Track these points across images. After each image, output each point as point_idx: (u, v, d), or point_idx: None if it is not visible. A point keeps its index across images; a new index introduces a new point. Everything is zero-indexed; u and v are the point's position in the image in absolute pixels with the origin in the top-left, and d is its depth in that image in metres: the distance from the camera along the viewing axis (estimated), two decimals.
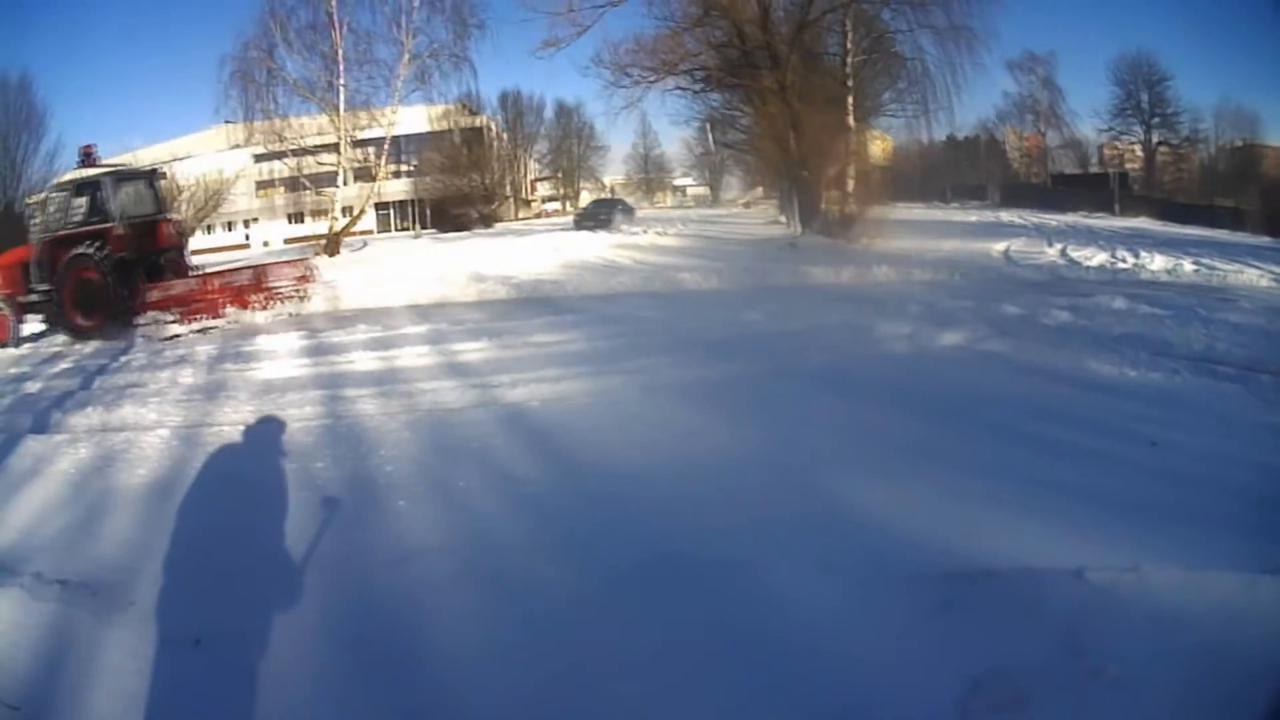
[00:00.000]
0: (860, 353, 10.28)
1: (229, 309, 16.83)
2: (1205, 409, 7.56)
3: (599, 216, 38.39)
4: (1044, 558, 4.36)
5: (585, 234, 33.20)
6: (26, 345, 16.69)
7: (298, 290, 17.91)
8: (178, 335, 15.67)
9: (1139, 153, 60.63)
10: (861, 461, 6.23)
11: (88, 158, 18.77)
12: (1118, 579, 4.05)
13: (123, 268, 16.88)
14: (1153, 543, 4.53)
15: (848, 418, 7.41)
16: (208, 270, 18.68)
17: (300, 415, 8.33)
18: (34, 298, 17.40)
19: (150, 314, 16.21)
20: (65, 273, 16.94)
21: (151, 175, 19.24)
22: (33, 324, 17.87)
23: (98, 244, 16.86)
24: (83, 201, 17.52)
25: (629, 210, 41.85)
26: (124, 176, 18.20)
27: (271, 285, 17.64)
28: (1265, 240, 32.50)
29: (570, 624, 4.17)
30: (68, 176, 17.78)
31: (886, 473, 5.93)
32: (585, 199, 59.61)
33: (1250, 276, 18.94)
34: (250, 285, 17.48)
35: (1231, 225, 38.78)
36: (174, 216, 19.33)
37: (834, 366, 9.57)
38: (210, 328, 16.18)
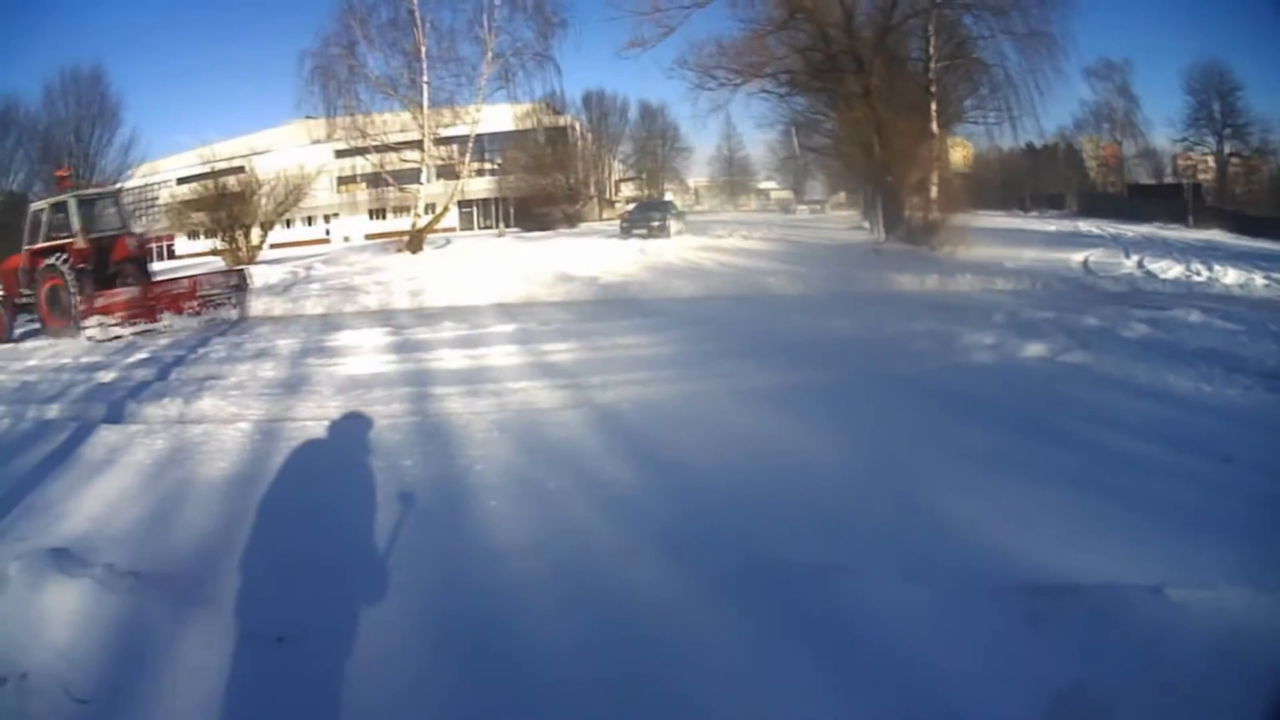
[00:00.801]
0: (946, 362, 10.31)
1: (165, 314, 18.40)
2: (1278, 426, 7.58)
3: (650, 223, 34.17)
4: (1124, 573, 4.31)
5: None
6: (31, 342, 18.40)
7: (230, 298, 19.75)
8: (120, 336, 17.13)
9: (1211, 163, 59.79)
10: (947, 471, 6.21)
11: (62, 180, 22.28)
12: (1195, 596, 4.00)
13: (83, 276, 19.20)
14: (1228, 560, 4.46)
15: (934, 426, 7.44)
16: (155, 280, 20.66)
17: (387, 412, 8.32)
18: (24, 300, 20.35)
19: (95, 318, 17.73)
20: (39, 280, 19.68)
21: (116, 195, 22.17)
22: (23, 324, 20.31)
23: (64, 256, 19.39)
24: (57, 219, 20.17)
25: (679, 214, 38.44)
26: (88, 198, 21.10)
27: (204, 294, 19.43)
28: None
29: (663, 626, 4.11)
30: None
31: (971, 482, 5.92)
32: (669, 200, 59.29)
33: None
34: (184, 293, 19.21)
35: None
36: (135, 231, 22.26)
37: (920, 375, 9.58)
38: (149, 330, 17.74)
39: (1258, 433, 7.27)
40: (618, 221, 36.94)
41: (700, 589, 4.42)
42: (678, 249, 27.13)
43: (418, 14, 32.29)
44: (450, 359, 11.11)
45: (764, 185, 70.91)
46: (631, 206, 41.51)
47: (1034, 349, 10.75)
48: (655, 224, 33.92)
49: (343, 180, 48.85)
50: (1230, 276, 20.84)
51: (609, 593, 4.45)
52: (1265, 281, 20.22)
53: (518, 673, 3.84)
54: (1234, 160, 59.27)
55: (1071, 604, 4.07)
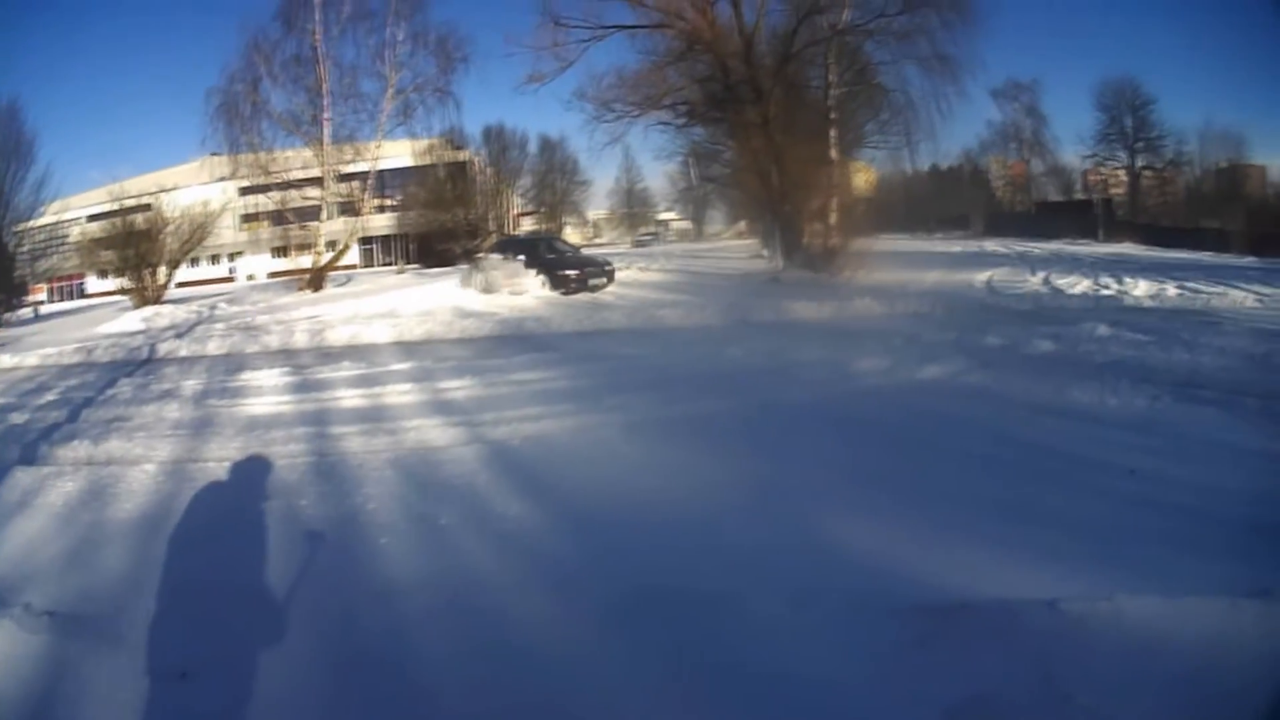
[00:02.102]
0: (842, 388, 10.35)
1: None
2: (1186, 435, 7.66)
3: (604, 267, 26.00)
4: (1019, 589, 4.42)
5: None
6: None
7: None
8: None
9: (1123, 177, 61.37)
10: (840, 496, 6.33)
11: None
12: (1092, 609, 4.09)
13: None
14: (1129, 571, 4.62)
15: (828, 453, 7.51)
16: None
17: (285, 452, 8.37)
18: None
19: None
20: None
21: None
22: None
23: None
24: None
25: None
26: None
27: None
28: (1250, 260, 32.92)
29: (556, 658, 4.18)
30: None
31: (865, 507, 6.04)
32: (569, 234, 58.98)
33: (1235, 298, 19.18)
34: None
35: (1216, 247, 39.32)
36: None
37: (815, 402, 9.65)
38: None
39: (1164, 442, 7.46)
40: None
41: (592, 619, 4.53)
42: None
43: (321, 50, 32.65)
44: (348, 398, 11.16)
45: (663, 216, 71.52)
46: (507, 248, 29.78)
47: (932, 371, 10.98)
48: (607, 268, 26.21)
49: (247, 218, 48.62)
50: (1141, 288, 21.26)
51: (503, 627, 4.54)
52: (1178, 291, 20.60)
53: (416, 705, 3.94)
54: (1147, 173, 60.94)
55: (965, 621, 4.18)
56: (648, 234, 63.69)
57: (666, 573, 5.01)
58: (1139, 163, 61.35)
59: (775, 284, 24.83)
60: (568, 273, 25.78)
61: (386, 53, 33.53)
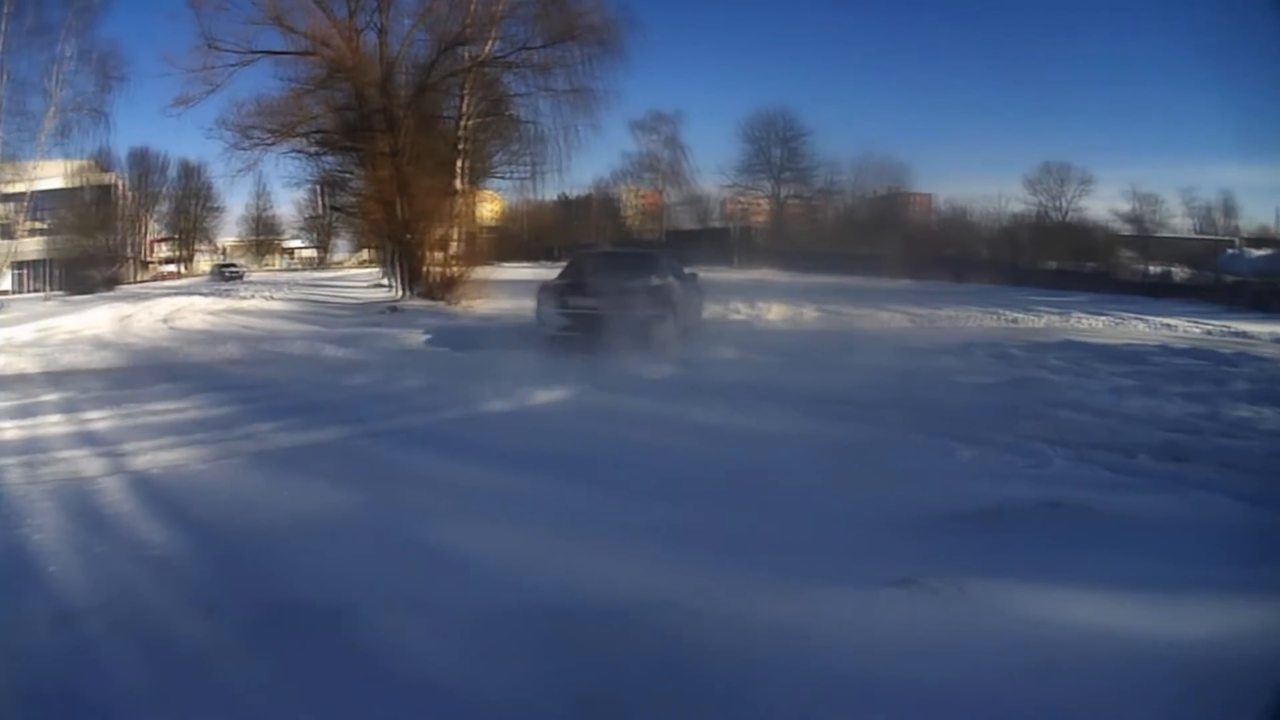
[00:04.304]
0: (457, 413, 10.83)
1: None
2: (819, 447, 8.39)
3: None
4: (639, 592, 4.70)
5: (197, 298, 31.36)
6: None
7: None
8: None
9: (765, 206, 63.44)
10: (461, 514, 6.65)
11: None
12: (711, 605, 4.37)
13: None
14: (755, 571, 4.99)
15: (444, 475, 7.92)
16: None
17: None
18: None
19: None
20: None
21: None
22: None
23: None
24: None
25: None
26: None
27: None
28: (906, 284, 35.04)
29: (216, 669, 4.21)
30: None
31: (486, 523, 6.34)
32: (203, 262, 58.01)
33: (883, 318, 20.83)
34: None
35: (869, 271, 41.25)
36: None
37: (431, 427, 10.09)
38: None
39: (794, 454, 8.12)
40: (152, 282, 30.21)
41: (240, 635, 4.57)
42: (204, 315, 27.35)
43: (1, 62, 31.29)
44: (6, 429, 10.62)
45: (291, 244, 70.28)
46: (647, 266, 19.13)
47: (548, 396, 11.53)
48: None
49: None
50: (775, 311, 22.43)
51: (163, 644, 4.53)
52: (819, 314, 21.96)
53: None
54: (794, 202, 63.14)
55: (585, 622, 4.37)
56: (229, 266, 60.71)
57: (301, 590, 5.15)
58: (785, 192, 63.68)
59: (394, 313, 25.94)
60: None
61: (55, 69, 32.39)
